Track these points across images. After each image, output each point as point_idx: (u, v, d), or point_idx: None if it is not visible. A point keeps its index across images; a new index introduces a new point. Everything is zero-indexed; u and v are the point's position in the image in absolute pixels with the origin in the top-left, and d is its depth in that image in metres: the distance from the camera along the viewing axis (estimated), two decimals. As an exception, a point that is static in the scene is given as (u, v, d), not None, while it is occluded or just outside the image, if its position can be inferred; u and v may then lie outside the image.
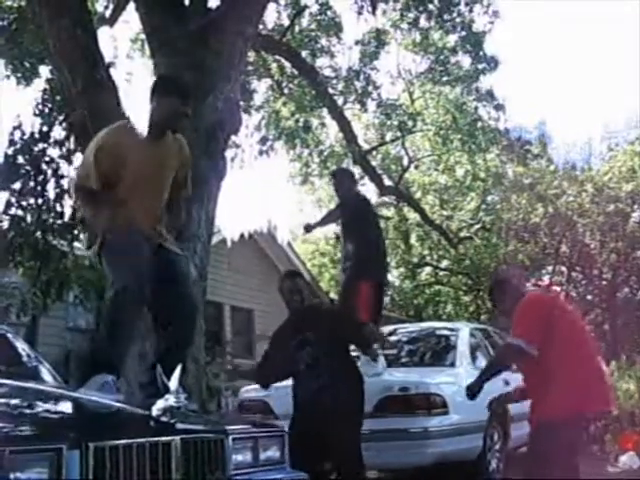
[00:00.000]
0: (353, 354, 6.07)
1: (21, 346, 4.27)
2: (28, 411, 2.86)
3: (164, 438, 2.65)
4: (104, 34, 9.87)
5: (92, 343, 3.48)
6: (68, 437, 2.43)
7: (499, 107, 14.51)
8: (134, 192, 3.54)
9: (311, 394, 4.49)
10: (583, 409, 3.72)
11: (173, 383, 2.76)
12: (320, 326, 4.60)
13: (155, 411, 2.68)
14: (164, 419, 2.67)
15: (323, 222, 6.93)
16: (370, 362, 5.76)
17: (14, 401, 2.89)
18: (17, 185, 7.78)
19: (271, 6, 10.73)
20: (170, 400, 2.68)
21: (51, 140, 7.95)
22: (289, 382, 4.84)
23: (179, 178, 3.82)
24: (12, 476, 2.25)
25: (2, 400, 2.86)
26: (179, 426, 2.73)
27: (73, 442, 2.40)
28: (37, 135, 7.89)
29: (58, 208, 7.85)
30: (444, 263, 21.63)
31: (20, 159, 7.82)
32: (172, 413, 2.68)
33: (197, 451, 2.78)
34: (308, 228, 6.97)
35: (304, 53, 12.44)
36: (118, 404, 2.96)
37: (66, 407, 2.98)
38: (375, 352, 5.84)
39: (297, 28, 12.48)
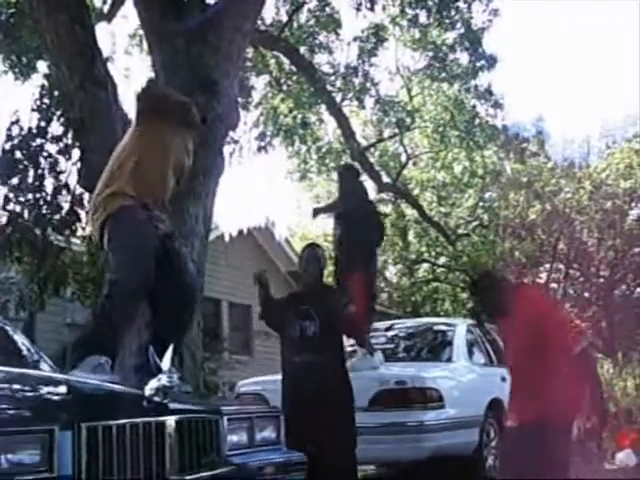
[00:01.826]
0: (350, 348, 6.11)
1: (20, 340, 4.27)
2: (20, 394, 2.83)
3: (158, 418, 2.63)
4: (102, 30, 9.87)
5: (86, 327, 3.46)
6: (60, 418, 2.41)
7: (497, 104, 14.52)
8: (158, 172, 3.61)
9: (305, 366, 4.51)
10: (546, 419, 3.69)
11: (165, 363, 2.75)
12: (325, 307, 4.61)
13: (148, 391, 2.66)
14: (157, 399, 2.66)
15: (329, 209, 7.00)
16: (367, 356, 5.78)
17: (5, 385, 2.87)
18: (15, 180, 7.78)
19: (269, 2, 10.73)
20: (163, 380, 2.67)
21: (49, 135, 7.95)
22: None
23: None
24: (3, 458, 2.24)
25: None
26: (173, 406, 2.71)
27: (65, 423, 2.38)
28: (35, 130, 7.88)
29: (56, 203, 7.85)
30: (442, 260, 21.64)
31: (18, 154, 7.81)
32: (165, 393, 2.66)
33: (191, 431, 2.76)
34: (316, 212, 7.02)
35: (302, 49, 12.43)
36: (111, 385, 2.94)
37: (58, 389, 2.95)
38: (372, 346, 5.87)
39: (295, 24, 12.46)
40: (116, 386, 2.97)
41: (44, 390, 2.93)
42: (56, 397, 2.89)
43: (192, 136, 3.89)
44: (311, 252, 4.92)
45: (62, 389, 2.94)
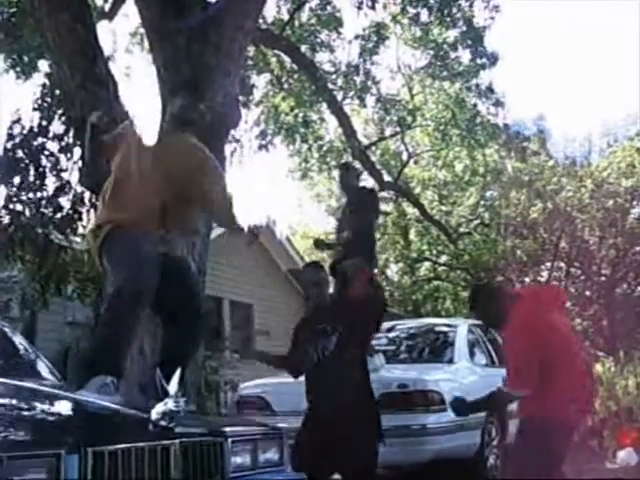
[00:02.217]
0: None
1: (19, 341, 4.26)
2: (26, 414, 2.83)
3: (163, 442, 2.65)
4: (103, 28, 9.86)
5: (91, 343, 3.42)
6: (66, 442, 2.42)
7: (498, 103, 14.51)
8: (135, 189, 3.53)
9: (337, 380, 4.19)
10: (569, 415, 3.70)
11: (172, 387, 2.75)
12: (338, 315, 4.46)
13: (154, 415, 2.67)
14: (163, 423, 2.66)
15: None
16: (368, 358, 5.77)
17: (12, 402, 2.86)
18: (16, 179, 7.78)
19: (271, 0, 10.73)
20: (169, 404, 2.67)
21: (50, 134, 7.95)
22: (288, 379, 4.80)
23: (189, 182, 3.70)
24: None
25: (0, 401, 2.84)
26: (178, 430, 2.72)
27: (72, 447, 2.39)
28: (36, 129, 7.89)
29: (57, 202, 7.85)
30: (443, 258, 21.63)
31: (19, 153, 7.82)
32: (171, 417, 2.67)
33: (196, 455, 2.78)
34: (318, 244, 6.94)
35: (304, 48, 12.42)
36: (117, 406, 2.94)
37: (64, 410, 2.95)
38: (373, 348, 5.85)
39: (297, 22, 12.45)
40: (122, 408, 2.96)
41: (50, 411, 2.93)
42: (62, 420, 2.89)
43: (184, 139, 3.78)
44: (313, 275, 4.71)
45: (68, 410, 2.94)
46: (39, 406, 2.94)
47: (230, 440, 2.99)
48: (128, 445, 2.52)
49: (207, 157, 3.80)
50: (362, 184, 7.09)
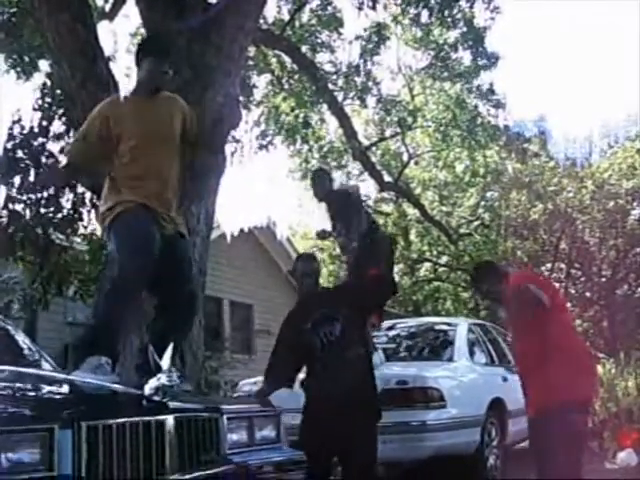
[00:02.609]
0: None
1: (22, 339, 4.27)
2: (20, 393, 2.85)
3: (157, 417, 2.63)
4: (104, 28, 9.88)
5: (88, 325, 3.45)
6: (60, 417, 2.42)
7: (499, 104, 14.52)
8: (141, 157, 3.55)
9: (341, 364, 4.19)
10: (585, 394, 3.74)
11: (165, 362, 2.75)
12: (339, 300, 4.45)
13: (147, 390, 2.67)
14: (156, 398, 2.66)
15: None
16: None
17: (6, 384, 2.87)
18: (17, 180, 7.79)
19: (271, 1, 10.75)
20: (162, 379, 2.67)
21: (50, 134, 7.95)
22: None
23: (189, 134, 3.82)
24: (3, 456, 2.24)
25: None
26: (172, 405, 2.72)
27: (65, 422, 2.39)
28: (36, 129, 7.89)
29: (57, 202, 7.85)
30: (443, 259, 21.63)
31: (20, 153, 7.82)
32: (165, 392, 2.66)
33: (191, 430, 2.77)
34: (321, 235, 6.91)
35: (304, 48, 12.43)
36: (111, 385, 2.95)
37: (59, 388, 2.97)
38: (373, 345, 5.86)
39: (297, 23, 12.46)
40: (116, 386, 2.97)
41: (44, 389, 2.94)
42: (56, 396, 2.90)
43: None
44: (304, 267, 4.64)
45: (62, 388, 2.95)
46: (35, 386, 2.96)
47: (226, 416, 2.99)
48: (122, 420, 2.51)
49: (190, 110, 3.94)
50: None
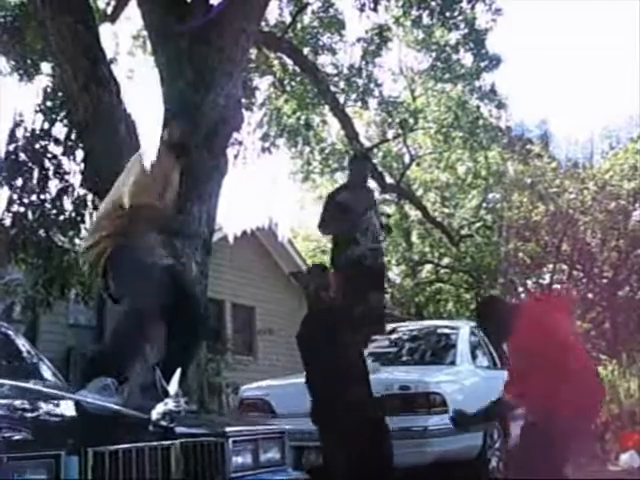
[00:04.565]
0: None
1: (22, 343, 4.26)
2: (27, 414, 2.82)
3: (163, 442, 2.64)
4: (106, 31, 9.87)
5: (97, 350, 3.42)
6: (67, 442, 2.42)
7: (501, 105, 14.52)
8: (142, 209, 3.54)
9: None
10: (586, 410, 3.73)
11: (173, 387, 2.75)
12: (341, 319, 4.46)
13: (155, 415, 2.67)
14: (164, 423, 2.66)
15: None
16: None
17: (13, 403, 2.86)
18: (19, 182, 7.79)
19: (273, 3, 10.73)
20: (169, 404, 2.67)
21: (53, 137, 7.95)
22: (289, 381, 4.81)
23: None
24: None
25: (1, 402, 2.84)
26: (179, 430, 2.72)
27: (72, 448, 2.39)
28: (39, 132, 7.89)
29: (60, 205, 7.85)
30: (445, 261, 21.60)
31: (22, 156, 7.82)
32: (172, 418, 2.66)
33: (197, 455, 2.77)
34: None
35: (306, 50, 12.43)
36: (117, 407, 2.94)
37: (65, 410, 2.94)
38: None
39: (299, 25, 12.46)
40: (122, 409, 2.96)
41: (50, 412, 2.92)
42: (62, 420, 2.88)
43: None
44: (322, 276, 4.71)
45: (68, 411, 2.93)
46: (40, 407, 2.93)
47: (231, 440, 2.98)
48: (129, 445, 2.52)
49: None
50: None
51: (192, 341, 3.60)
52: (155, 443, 2.61)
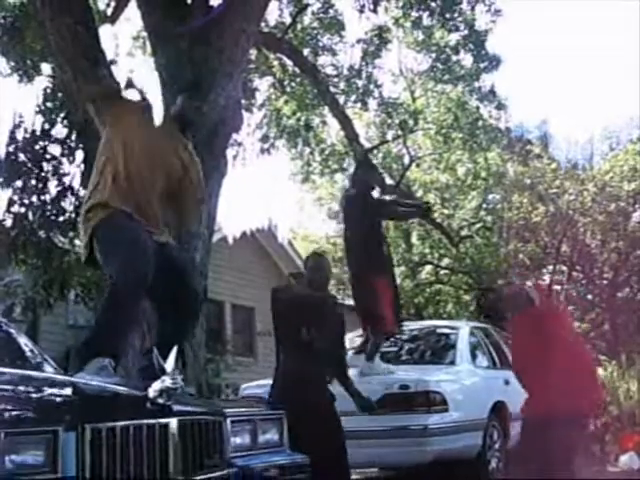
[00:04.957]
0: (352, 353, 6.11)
1: (24, 341, 4.28)
2: (24, 395, 2.83)
3: (161, 420, 2.64)
4: (105, 32, 9.87)
5: (92, 327, 3.45)
6: (64, 419, 2.41)
7: (500, 106, 14.54)
8: (134, 172, 3.55)
9: (301, 374, 4.32)
10: (584, 409, 3.75)
11: (169, 365, 2.76)
12: (329, 320, 4.48)
13: (151, 392, 2.67)
14: (160, 401, 2.66)
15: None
16: (367, 362, 5.81)
17: (10, 386, 2.87)
18: (19, 183, 7.80)
19: (273, 4, 10.74)
20: (166, 381, 2.67)
21: (53, 138, 7.97)
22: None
23: (185, 178, 3.78)
24: (7, 458, 2.24)
25: (2, 386, 2.85)
26: (176, 408, 2.71)
27: (69, 424, 2.38)
28: (39, 133, 7.90)
29: (60, 206, 7.86)
30: (445, 262, 21.60)
31: (22, 157, 7.83)
32: (169, 395, 2.67)
33: (195, 433, 2.76)
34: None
35: (306, 51, 12.46)
36: (115, 386, 2.95)
37: (62, 390, 2.95)
38: (372, 352, 5.87)
39: (299, 26, 12.48)
40: (120, 387, 2.98)
41: (48, 391, 2.93)
42: (60, 398, 2.89)
43: (179, 137, 3.80)
44: (317, 261, 4.80)
45: (66, 390, 2.95)
46: (39, 388, 2.94)
47: (229, 420, 2.99)
48: (126, 422, 2.51)
49: (199, 170, 3.89)
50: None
51: (189, 318, 3.62)
52: (153, 420, 2.60)
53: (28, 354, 4.13)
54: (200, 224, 6.12)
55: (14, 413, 2.44)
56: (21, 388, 2.93)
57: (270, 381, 5.73)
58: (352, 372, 5.90)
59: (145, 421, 2.58)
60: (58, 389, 2.99)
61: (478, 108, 14.64)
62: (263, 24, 9.91)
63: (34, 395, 2.85)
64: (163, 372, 2.75)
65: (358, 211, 6.09)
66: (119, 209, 3.46)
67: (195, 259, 6.00)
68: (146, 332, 5.46)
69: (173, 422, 2.66)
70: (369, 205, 6.19)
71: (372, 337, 5.93)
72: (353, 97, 13.53)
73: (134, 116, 3.66)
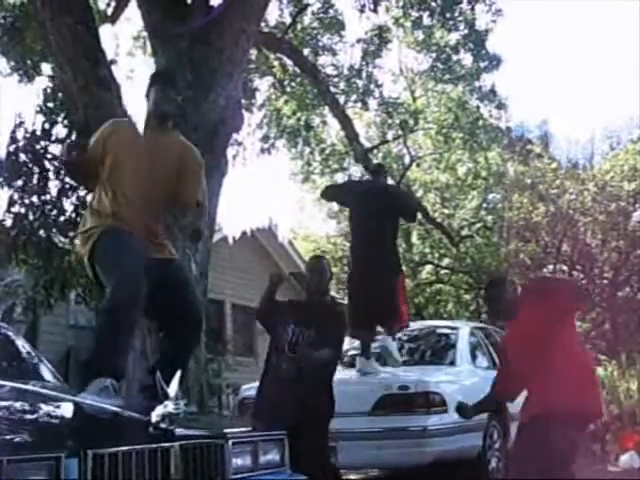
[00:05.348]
0: (352, 352, 6.10)
1: (21, 344, 4.27)
2: (26, 416, 2.82)
3: (163, 444, 2.64)
4: (106, 32, 9.89)
5: (91, 347, 3.41)
6: (66, 445, 2.42)
7: (501, 105, 14.53)
8: (130, 190, 3.51)
9: (291, 374, 4.34)
10: (582, 409, 3.74)
11: (172, 389, 2.75)
12: (325, 320, 4.48)
13: (154, 417, 2.67)
14: (163, 426, 2.66)
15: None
16: (365, 361, 5.81)
17: (12, 405, 2.86)
18: (19, 183, 7.80)
19: (273, 4, 10.76)
20: (169, 407, 2.67)
21: (53, 137, 7.96)
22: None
23: (187, 178, 3.70)
24: None
25: (1, 403, 2.84)
26: (178, 432, 2.72)
27: (71, 450, 2.39)
28: (39, 133, 7.90)
29: (60, 205, 7.86)
30: (445, 262, 21.59)
31: (22, 157, 7.83)
32: (171, 420, 2.66)
33: (196, 457, 2.77)
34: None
35: (306, 51, 12.45)
36: (117, 409, 2.93)
37: (65, 412, 2.94)
38: (369, 352, 5.88)
39: (299, 26, 12.48)
40: (122, 411, 2.95)
41: (51, 413, 2.91)
42: (63, 422, 2.88)
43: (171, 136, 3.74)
44: (317, 263, 4.83)
45: (69, 413, 2.93)
46: (40, 409, 2.92)
47: (230, 441, 2.98)
48: (128, 448, 2.51)
49: (201, 163, 3.82)
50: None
51: (189, 340, 3.56)
52: (154, 445, 2.61)
53: (25, 357, 4.11)
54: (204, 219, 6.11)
55: (17, 438, 2.45)
56: (23, 408, 2.91)
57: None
58: (352, 372, 5.95)
59: (147, 446, 2.59)
60: (60, 411, 2.97)
61: (478, 108, 14.63)
62: (263, 24, 9.92)
63: (36, 418, 2.84)
64: (166, 397, 2.74)
65: (388, 205, 6.01)
66: (113, 227, 3.43)
67: (195, 261, 6.00)
68: (146, 335, 5.47)
69: (175, 447, 2.67)
70: (399, 203, 6.23)
71: (385, 333, 5.96)
72: (353, 97, 13.53)
73: (119, 136, 3.61)
